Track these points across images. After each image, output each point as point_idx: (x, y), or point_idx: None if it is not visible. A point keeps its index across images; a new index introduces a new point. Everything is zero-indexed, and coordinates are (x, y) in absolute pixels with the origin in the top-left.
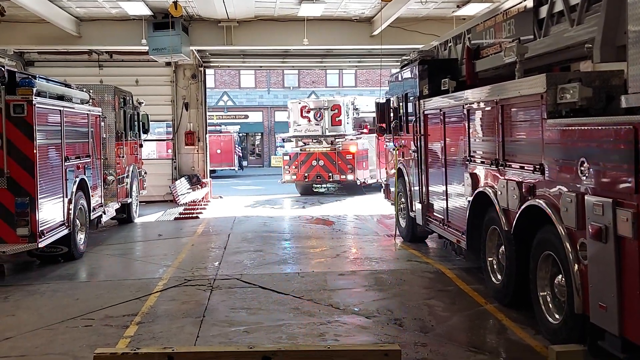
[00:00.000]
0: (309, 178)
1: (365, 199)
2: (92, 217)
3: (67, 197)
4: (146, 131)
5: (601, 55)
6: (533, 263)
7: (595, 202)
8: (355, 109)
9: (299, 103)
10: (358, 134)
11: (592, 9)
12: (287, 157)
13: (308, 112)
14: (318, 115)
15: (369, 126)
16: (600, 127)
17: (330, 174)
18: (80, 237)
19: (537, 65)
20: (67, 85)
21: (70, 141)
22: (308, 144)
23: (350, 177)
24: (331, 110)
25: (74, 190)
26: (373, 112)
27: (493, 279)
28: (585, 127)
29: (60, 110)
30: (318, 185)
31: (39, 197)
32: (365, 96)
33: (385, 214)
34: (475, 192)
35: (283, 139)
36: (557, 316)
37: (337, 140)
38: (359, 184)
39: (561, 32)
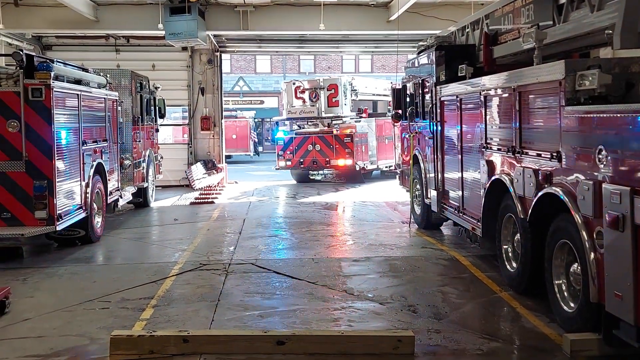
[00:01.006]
0: (305, 164)
1: (369, 188)
2: (109, 201)
3: (84, 180)
4: (162, 116)
5: (621, 42)
6: (548, 251)
7: (613, 190)
8: (354, 90)
9: (293, 83)
10: (357, 118)
11: None
12: (280, 142)
13: (302, 92)
14: (314, 96)
15: (368, 110)
16: (619, 115)
17: (327, 159)
18: (98, 220)
19: (556, 51)
20: (85, 70)
21: (87, 125)
22: (303, 127)
23: (348, 162)
24: (327, 90)
25: (91, 174)
26: (373, 94)
27: (508, 266)
28: (604, 115)
29: (77, 95)
30: (314, 172)
31: (56, 180)
32: (364, 77)
33: (398, 200)
34: (491, 179)
35: (276, 123)
36: (572, 304)
37: (334, 122)
38: (357, 169)
39: (581, 18)
